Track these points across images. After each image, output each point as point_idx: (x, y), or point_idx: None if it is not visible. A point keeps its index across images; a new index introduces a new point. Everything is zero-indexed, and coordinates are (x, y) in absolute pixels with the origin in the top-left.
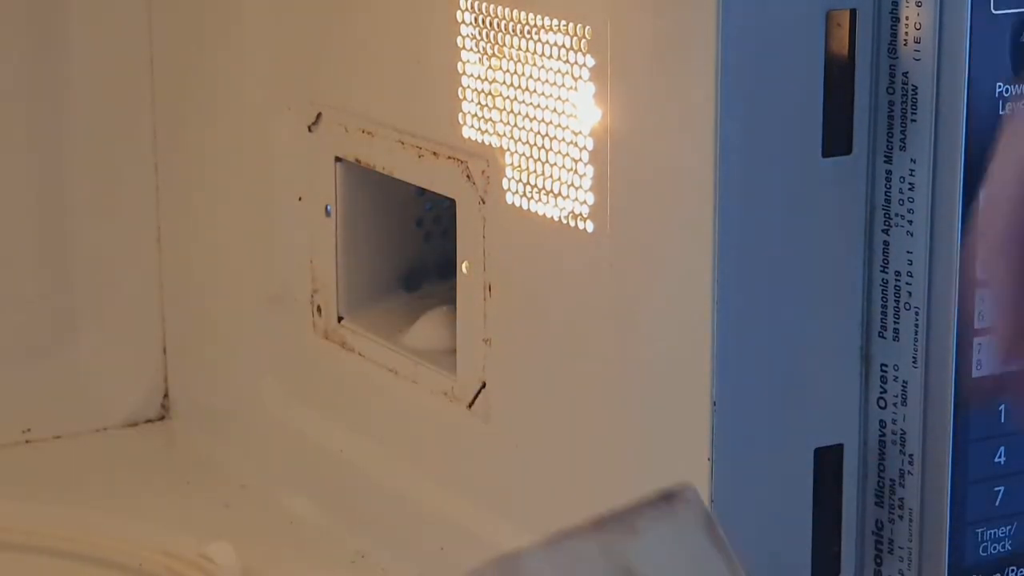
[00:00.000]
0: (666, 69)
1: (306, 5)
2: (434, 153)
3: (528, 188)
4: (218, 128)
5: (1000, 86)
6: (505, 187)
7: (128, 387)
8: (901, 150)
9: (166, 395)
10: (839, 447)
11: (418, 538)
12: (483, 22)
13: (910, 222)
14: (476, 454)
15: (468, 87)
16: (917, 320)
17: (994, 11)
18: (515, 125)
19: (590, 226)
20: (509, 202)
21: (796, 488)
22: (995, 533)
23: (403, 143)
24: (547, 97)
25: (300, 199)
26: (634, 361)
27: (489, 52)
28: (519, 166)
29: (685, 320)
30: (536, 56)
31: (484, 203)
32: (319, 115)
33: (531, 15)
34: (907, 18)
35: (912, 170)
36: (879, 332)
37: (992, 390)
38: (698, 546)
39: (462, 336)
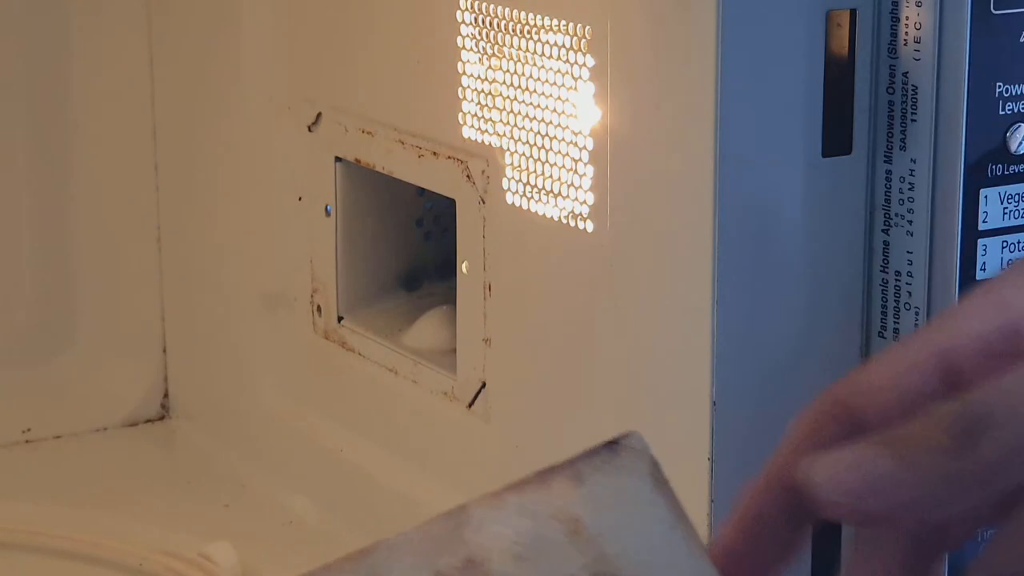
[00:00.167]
0: (666, 69)
1: (306, 5)
2: (434, 153)
3: (528, 188)
4: (218, 128)
5: (1000, 86)
6: (505, 187)
7: (128, 387)
8: (901, 150)
9: (166, 395)
10: None
11: None
12: (483, 22)
13: (910, 222)
14: (476, 454)
15: (468, 87)
16: (917, 320)
17: (994, 11)
18: (515, 125)
19: (590, 226)
20: (509, 202)
21: None
22: None
23: (403, 143)
24: (547, 97)
25: (300, 199)
26: (634, 361)
27: (489, 52)
28: (519, 166)
29: (685, 320)
30: (536, 56)
31: (484, 203)
32: (319, 115)
33: (531, 15)
34: (907, 18)
35: (912, 170)
36: (879, 332)
37: None
38: (643, 493)
39: (462, 336)
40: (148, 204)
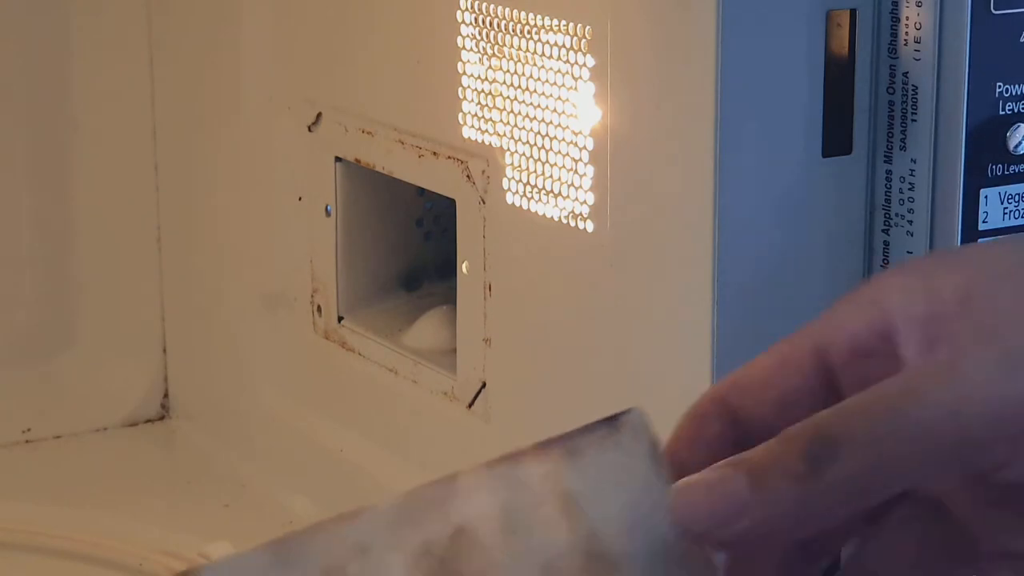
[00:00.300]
0: (666, 69)
1: (306, 5)
2: (434, 153)
3: (528, 188)
4: (218, 128)
5: (1000, 86)
6: (505, 187)
7: (128, 387)
8: (901, 150)
9: (166, 395)
10: None
11: None
12: (483, 22)
13: (910, 222)
14: (476, 454)
15: (468, 87)
16: None
17: (994, 11)
18: (515, 125)
19: (590, 226)
20: (509, 202)
21: None
22: None
23: (403, 143)
24: (547, 97)
25: (300, 199)
26: (634, 361)
27: (489, 52)
28: (519, 166)
29: (685, 320)
30: (536, 56)
31: (484, 203)
32: (319, 115)
33: (531, 15)
34: (907, 18)
35: (912, 170)
36: None
37: None
38: (640, 471)
39: (462, 336)
40: (148, 204)
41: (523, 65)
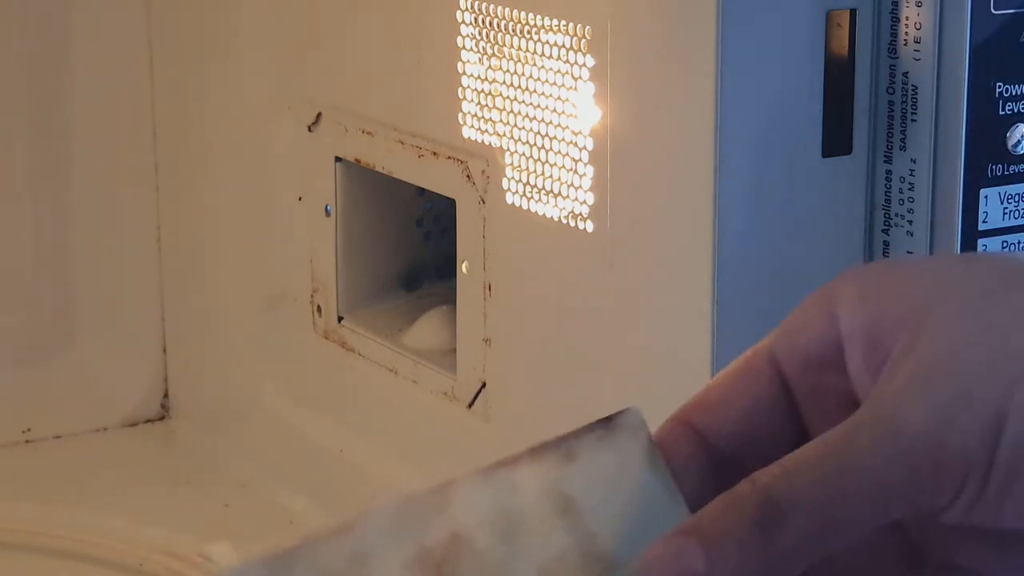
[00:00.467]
0: (666, 69)
1: (306, 5)
2: (434, 153)
3: (528, 188)
4: (218, 128)
5: (1000, 86)
6: (505, 187)
7: (128, 387)
8: (901, 150)
9: (166, 395)
10: None
11: None
12: (483, 22)
13: (910, 222)
14: (476, 454)
15: (468, 87)
16: None
17: (994, 11)
18: (515, 125)
19: (590, 226)
20: (509, 202)
21: None
22: None
23: (403, 143)
24: (547, 97)
25: (300, 199)
26: (634, 361)
27: (489, 52)
28: (519, 166)
29: (685, 320)
30: (536, 56)
31: (484, 203)
32: (319, 115)
33: (531, 15)
34: (907, 18)
35: (912, 170)
36: None
37: None
38: (637, 472)
39: (462, 336)
40: (148, 204)
41: (523, 65)
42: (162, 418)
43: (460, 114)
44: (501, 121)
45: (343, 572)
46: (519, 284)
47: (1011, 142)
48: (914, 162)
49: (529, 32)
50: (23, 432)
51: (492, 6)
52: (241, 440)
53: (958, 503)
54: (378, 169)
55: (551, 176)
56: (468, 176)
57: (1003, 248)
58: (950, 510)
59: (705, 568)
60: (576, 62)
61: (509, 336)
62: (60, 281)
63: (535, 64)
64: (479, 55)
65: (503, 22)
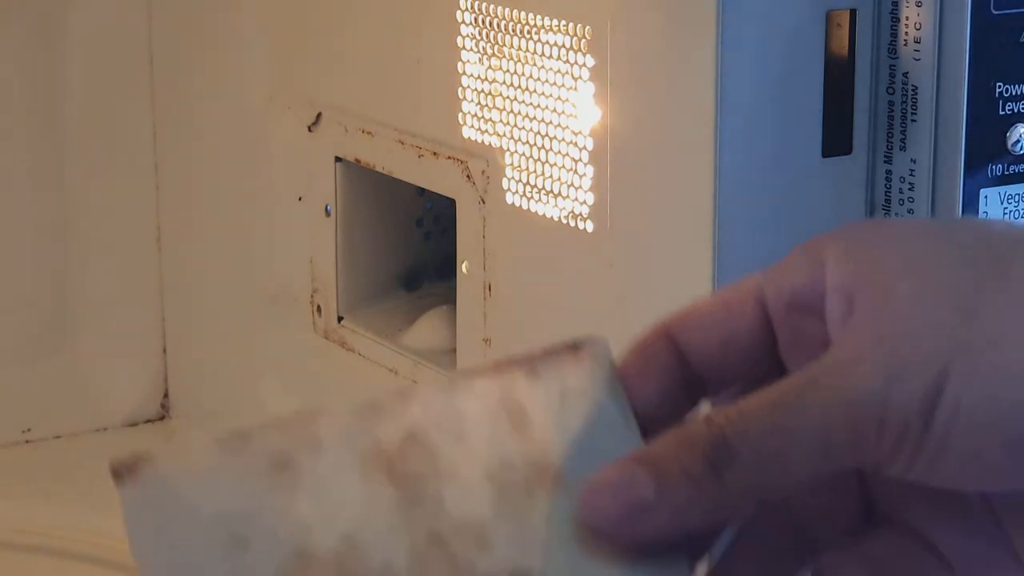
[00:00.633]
0: (666, 69)
1: (306, 5)
2: (434, 153)
3: (528, 188)
4: (218, 128)
5: (1000, 86)
6: (505, 187)
7: (128, 387)
8: (901, 150)
9: (166, 395)
10: None
11: None
12: (483, 22)
13: None
14: None
15: (468, 87)
16: None
17: (994, 11)
18: (515, 125)
19: (590, 226)
20: (509, 202)
21: None
22: None
23: (403, 143)
24: (547, 97)
25: (300, 199)
26: None
27: (489, 52)
28: (519, 166)
29: None
30: (536, 56)
31: (484, 203)
32: (319, 115)
33: (531, 15)
34: (907, 18)
35: (912, 170)
36: None
37: None
38: (596, 397)
39: (462, 336)
40: (148, 204)
41: (523, 65)
42: (162, 418)
43: (460, 114)
44: (501, 121)
45: (295, 458)
46: (519, 284)
47: (1011, 142)
48: (914, 162)
49: (529, 32)
50: (23, 432)
51: (492, 6)
52: None
53: (898, 460)
54: (378, 169)
55: (551, 176)
56: (468, 176)
57: None
58: (891, 466)
59: (654, 498)
60: (576, 62)
61: (509, 336)
62: (60, 281)
63: (535, 64)
64: (479, 55)
65: (503, 22)
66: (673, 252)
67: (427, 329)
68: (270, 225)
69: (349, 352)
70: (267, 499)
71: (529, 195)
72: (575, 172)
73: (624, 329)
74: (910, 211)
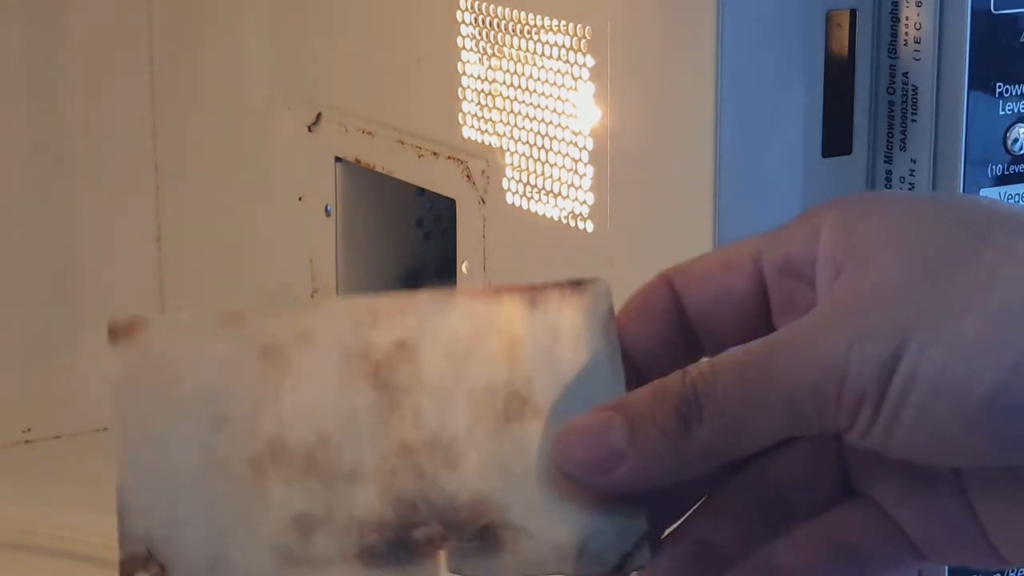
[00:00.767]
0: (666, 69)
1: (306, 5)
2: (434, 153)
3: (528, 188)
4: (218, 128)
5: (1000, 86)
6: (505, 187)
7: None
8: (901, 150)
9: None
10: None
11: None
12: (483, 22)
13: None
14: None
15: (468, 87)
16: None
17: (994, 11)
18: (515, 125)
19: (590, 226)
20: (509, 202)
21: None
22: None
23: (403, 143)
24: (547, 97)
25: (300, 199)
26: None
27: (489, 52)
28: (519, 166)
29: None
30: (536, 56)
31: (484, 203)
32: (319, 115)
33: (531, 15)
34: (907, 18)
35: (912, 170)
36: None
37: None
38: (590, 338)
39: None
40: (148, 204)
41: (523, 65)
42: None
43: (460, 114)
44: (501, 121)
45: (286, 349)
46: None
47: (1011, 142)
48: (914, 162)
49: (529, 32)
50: (23, 432)
51: (492, 6)
52: None
53: (855, 426)
54: (378, 169)
55: (551, 176)
56: (468, 176)
57: None
58: (849, 432)
59: (626, 446)
60: (576, 62)
61: None
62: (60, 281)
63: (535, 64)
64: (479, 55)
65: (503, 22)
66: (673, 252)
67: None
68: (270, 225)
69: None
70: (252, 384)
71: (529, 195)
72: (575, 172)
73: None
74: None
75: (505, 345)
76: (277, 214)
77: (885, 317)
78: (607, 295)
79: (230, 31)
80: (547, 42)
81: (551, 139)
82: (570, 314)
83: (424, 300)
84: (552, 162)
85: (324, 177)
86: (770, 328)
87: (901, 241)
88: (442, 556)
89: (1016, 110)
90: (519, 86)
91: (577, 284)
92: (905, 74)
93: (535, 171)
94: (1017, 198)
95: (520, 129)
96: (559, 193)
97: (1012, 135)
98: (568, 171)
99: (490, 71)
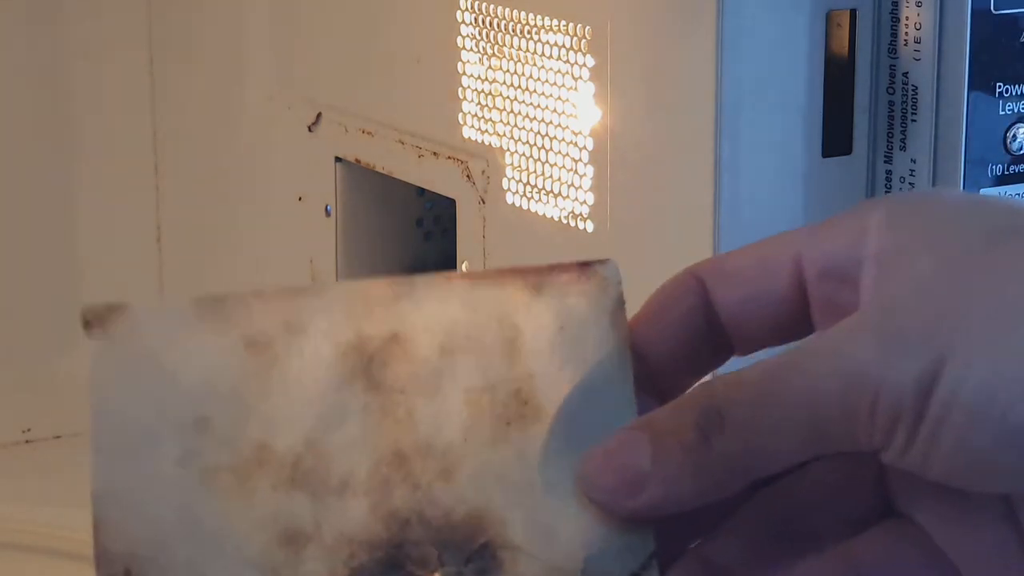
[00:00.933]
0: (666, 69)
1: (306, 5)
2: (434, 153)
3: (528, 188)
4: (218, 128)
5: (1000, 86)
6: (505, 187)
7: None
8: (901, 150)
9: None
10: None
11: None
12: (483, 22)
13: None
14: None
15: (468, 87)
16: None
17: (994, 11)
18: (515, 125)
19: (590, 226)
20: (509, 202)
21: None
22: None
23: (403, 143)
24: (547, 97)
25: (300, 199)
26: None
27: (489, 52)
28: (519, 166)
29: None
30: (536, 56)
31: (484, 203)
32: (319, 115)
33: (531, 15)
34: (907, 18)
35: (912, 170)
36: None
37: None
38: (596, 327)
39: None
40: (148, 204)
41: (523, 65)
42: None
43: (460, 114)
44: (501, 121)
45: (273, 340)
46: None
47: (1011, 142)
48: (914, 162)
49: (529, 32)
50: (23, 432)
51: (492, 6)
52: None
53: (890, 448)
54: (378, 169)
55: (551, 176)
56: (468, 176)
57: None
58: (886, 452)
59: (650, 467)
60: (576, 62)
61: None
62: (60, 281)
63: (535, 64)
64: (479, 55)
65: (503, 22)
66: (673, 252)
67: None
68: (270, 225)
69: None
70: (237, 381)
71: (529, 195)
72: (575, 172)
73: None
74: None
75: (506, 336)
76: (277, 214)
77: (921, 328)
78: (616, 281)
79: (230, 31)
80: (547, 42)
81: (551, 139)
82: (575, 300)
83: (421, 287)
84: (552, 162)
85: (324, 177)
86: (810, 328)
87: (943, 245)
88: None
89: (1016, 110)
90: (519, 86)
91: (585, 266)
92: (905, 74)
93: (535, 171)
94: (1017, 198)
95: (520, 129)
96: (559, 193)
97: (1012, 135)
98: (568, 171)
99: (490, 71)
